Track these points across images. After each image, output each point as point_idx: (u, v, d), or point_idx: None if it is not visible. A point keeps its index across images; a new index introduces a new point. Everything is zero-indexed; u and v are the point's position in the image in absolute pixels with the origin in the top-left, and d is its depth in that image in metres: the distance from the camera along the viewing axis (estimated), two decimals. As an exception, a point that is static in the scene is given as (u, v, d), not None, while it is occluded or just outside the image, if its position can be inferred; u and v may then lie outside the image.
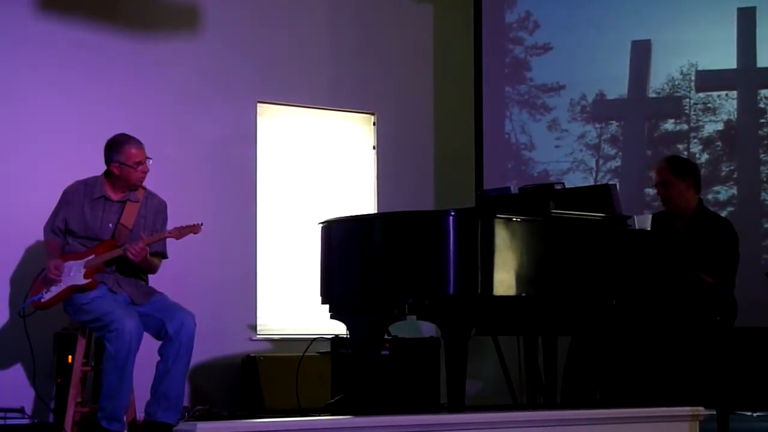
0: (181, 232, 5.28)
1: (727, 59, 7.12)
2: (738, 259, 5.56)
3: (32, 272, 5.49)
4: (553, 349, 5.51)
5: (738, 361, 5.50)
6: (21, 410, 6.00)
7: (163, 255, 5.47)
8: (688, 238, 5.53)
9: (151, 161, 5.35)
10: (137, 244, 5.18)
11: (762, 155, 7.03)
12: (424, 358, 5.15)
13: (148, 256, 5.27)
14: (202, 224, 5.29)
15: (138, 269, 5.37)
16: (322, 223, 5.37)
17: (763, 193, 6.99)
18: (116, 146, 5.30)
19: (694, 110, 7.15)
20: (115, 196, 5.35)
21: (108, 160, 5.32)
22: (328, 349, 5.71)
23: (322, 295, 5.36)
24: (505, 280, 4.89)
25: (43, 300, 5.23)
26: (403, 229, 4.97)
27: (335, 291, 5.28)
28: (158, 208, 5.47)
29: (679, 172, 5.66)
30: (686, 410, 4.93)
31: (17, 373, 6.09)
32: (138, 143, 5.32)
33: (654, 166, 5.81)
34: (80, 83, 6.46)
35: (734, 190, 7.04)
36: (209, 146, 6.86)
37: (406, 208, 5.95)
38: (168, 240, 5.40)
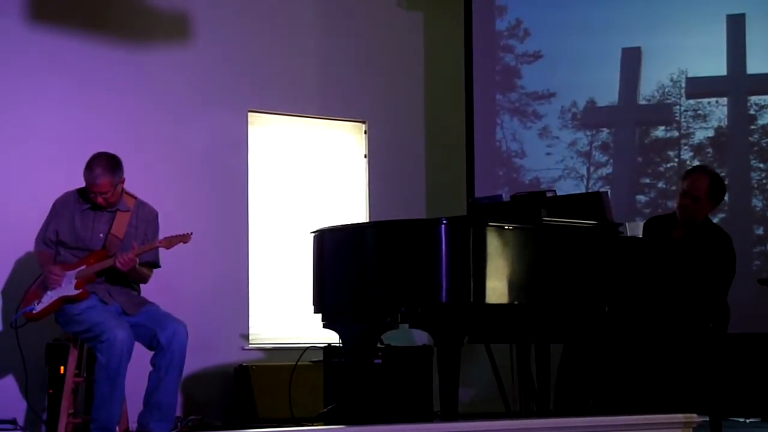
0: (170, 241, 5.27)
1: (717, 66, 7.13)
2: (734, 274, 5.55)
3: (23, 284, 5.48)
4: (545, 356, 5.51)
5: (731, 367, 5.50)
6: (13, 422, 5.98)
7: (156, 264, 5.46)
8: (687, 248, 5.51)
9: (105, 195, 5.24)
10: (127, 254, 5.17)
11: (752, 161, 7.05)
12: (416, 367, 5.15)
13: (138, 266, 5.26)
14: (191, 233, 5.28)
15: (128, 279, 5.36)
16: (314, 232, 5.37)
17: (753, 200, 7.00)
18: (85, 166, 5.27)
19: (685, 117, 7.17)
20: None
21: None
22: (321, 358, 5.71)
23: (314, 304, 5.36)
24: (497, 288, 4.89)
25: (34, 311, 5.22)
26: (395, 238, 4.98)
27: (328, 300, 5.28)
28: (149, 218, 5.46)
29: (714, 197, 5.59)
30: (679, 417, 4.93)
31: (9, 384, 6.07)
32: (93, 178, 5.18)
33: (690, 175, 5.64)
34: (70, 93, 6.45)
35: (725, 197, 7.05)
36: (200, 155, 6.85)
37: (397, 216, 5.96)
38: (160, 249, 5.40)
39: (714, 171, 5.84)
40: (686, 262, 5.47)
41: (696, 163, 7.06)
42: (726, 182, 6.76)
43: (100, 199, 5.26)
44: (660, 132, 7.24)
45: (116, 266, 5.17)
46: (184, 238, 5.27)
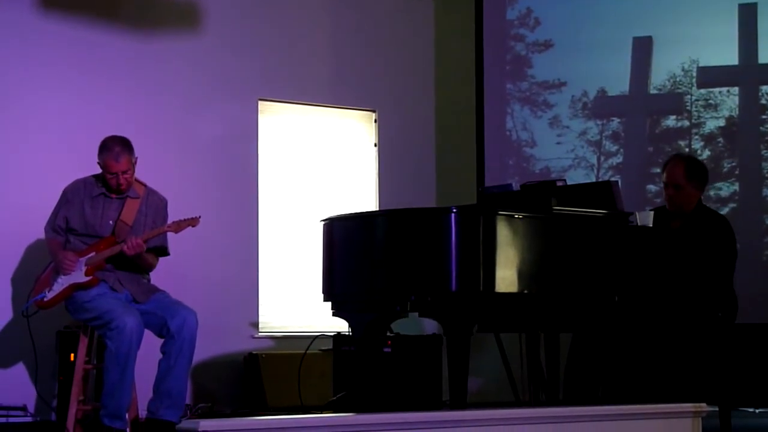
0: (179, 225, 5.28)
1: (728, 55, 7.11)
2: (736, 256, 5.55)
3: (33, 272, 5.50)
4: (555, 345, 5.51)
5: (740, 357, 5.50)
6: (23, 408, 6.00)
7: (164, 251, 5.46)
8: (686, 237, 5.51)
9: (126, 174, 5.27)
10: (135, 239, 5.17)
11: (764, 151, 7.03)
12: (426, 356, 5.14)
13: (145, 253, 5.26)
14: (200, 217, 5.29)
15: (133, 265, 5.35)
16: (324, 220, 5.37)
17: (764, 189, 6.99)
18: (100, 150, 5.29)
19: (696, 106, 7.15)
20: (114, 194, 5.35)
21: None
22: (331, 347, 5.71)
23: (324, 292, 5.36)
24: (507, 277, 4.88)
25: (45, 299, 5.23)
26: (405, 227, 4.97)
27: (337, 288, 5.28)
28: (159, 205, 5.47)
29: (694, 177, 5.59)
30: (689, 407, 4.94)
31: (20, 371, 6.09)
32: (115, 156, 5.22)
33: (667, 165, 5.71)
34: (81, 82, 6.46)
35: (736, 187, 7.04)
36: (211, 144, 6.86)
37: (407, 205, 5.95)
38: (170, 237, 5.41)
39: (690, 155, 5.86)
40: (687, 250, 5.46)
41: (707, 153, 7.05)
42: (736, 172, 6.76)
43: (121, 179, 5.25)
44: (671, 121, 7.22)
45: (123, 250, 5.18)
46: (193, 222, 5.27)
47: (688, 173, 5.59)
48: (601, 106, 7.36)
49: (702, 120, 7.13)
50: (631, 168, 7.28)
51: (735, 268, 5.56)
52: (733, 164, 7.06)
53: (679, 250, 5.48)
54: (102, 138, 5.37)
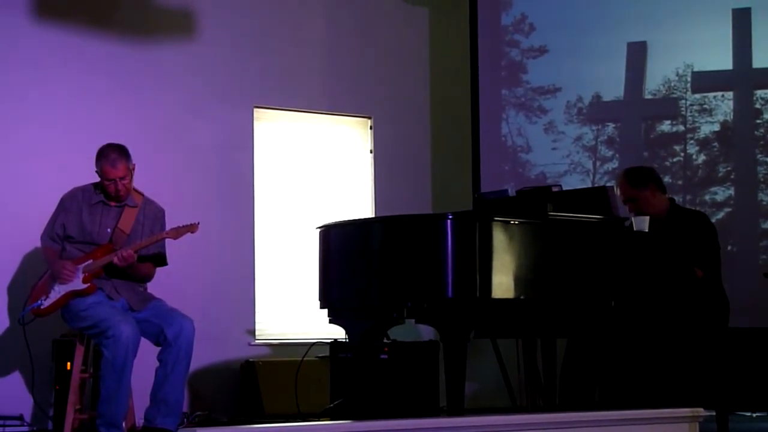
0: (178, 232, 5.27)
1: (722, 60, 7.12)
2: (719, 248, 5.55)
3: (30, 280, 5.49)
4: (552, 351, 5.51)
5: (737, 361, 5.50)
6: (20, 418, 5.99)
7: (162, 260, 5.45)
8: (663, 237, 5.52)
9: (124, 181, 5.28)
10: (125, 250, 5.17)
11: (759, 155, 7.04)
12: (423, 362, 5.16)
13: (139, 263, 5.25)
14: (198, 223, 5.29)
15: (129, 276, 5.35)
16: (320, 227, 5.37)
17: (760, 194, 6.99)
18: (97, 157, 5.30)
19: (691, 111, 7.16)
20: (112, 201, 5.35)
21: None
22: (327, 354, 5.73)
23: (320, 299, 5.36)
24: (503, 283, 4.88)
25: (42, 307, 5.22)
26: (401, 233, 4.97)
27: (334, 295, 5.28)
28: (156, 215, 5.47)
29: (638, 183, 5.65)
30: (686, 411, 4.92)
31: (16, 380, 6.08)
32: (112, 162, 5.23)
33: (615, 184, 5.79)
34: (77, 89, 6.46)
35: (731, 191, 7.04)
36: (206, 151, 6.86)
37: (403, 211, 5.95)
38: (166, 244, 5.40)
39: (627, 168, 5.91)
40: (666, 250, 5.46)
41: (702, 157, 7.06)
42: (732, 176, 6.76)
43: (119, 185, 5.25)
44: (666, 126, 7.23)
45: (113, 262, 5.17)
46: (191, 228, 5.27)
47: (631, 182, 5.65)
48: (596, 112, 7.37)
49: (697, 125, 7.14)
50: (627, 173, 7.28)
51: (721, 262, 5.56)
52: (729, 168, 7.07)
53: (656, 251, 5.47)
54: (97, 145, 5.37)
